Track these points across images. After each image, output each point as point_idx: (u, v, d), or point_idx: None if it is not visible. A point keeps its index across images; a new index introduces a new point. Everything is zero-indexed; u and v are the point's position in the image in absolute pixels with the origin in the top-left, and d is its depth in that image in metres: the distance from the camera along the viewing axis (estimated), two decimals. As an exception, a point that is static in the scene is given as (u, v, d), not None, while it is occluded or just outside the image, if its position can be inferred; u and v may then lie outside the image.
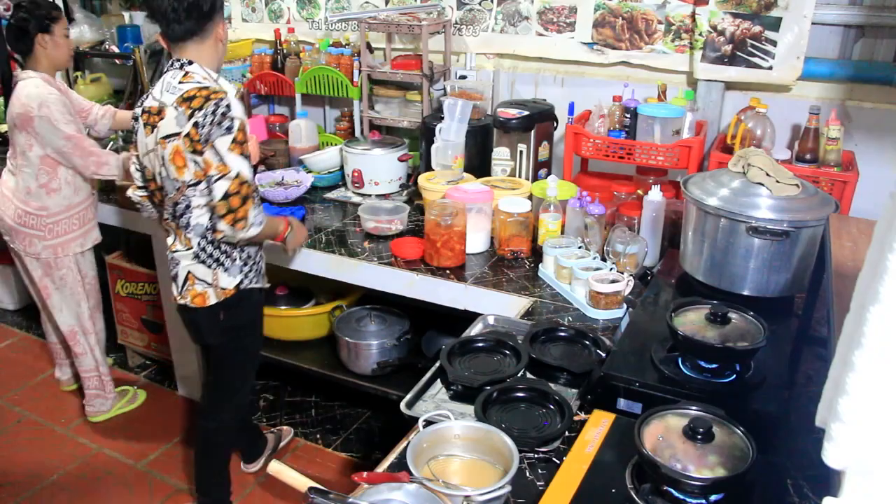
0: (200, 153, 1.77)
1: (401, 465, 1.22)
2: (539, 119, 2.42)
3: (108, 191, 2.82)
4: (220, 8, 1.87)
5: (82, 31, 3.51)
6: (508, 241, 2.13)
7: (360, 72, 2.79)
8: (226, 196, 1.76)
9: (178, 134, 1.77)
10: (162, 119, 1.80)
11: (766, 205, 1.64)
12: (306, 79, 2.93)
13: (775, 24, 2.19)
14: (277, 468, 1.25)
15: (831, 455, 0.69)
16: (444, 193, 2.17)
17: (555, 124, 2.52)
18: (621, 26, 2.46)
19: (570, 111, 2.36)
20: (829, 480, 0.77)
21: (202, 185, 1.82)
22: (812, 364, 1.55)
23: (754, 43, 2.24)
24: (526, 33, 2.64)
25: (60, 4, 3.60)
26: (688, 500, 1.11)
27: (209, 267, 1.93)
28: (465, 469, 1.23)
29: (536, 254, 2.14)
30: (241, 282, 1.97)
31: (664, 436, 1.15)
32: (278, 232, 2.04)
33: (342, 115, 3.08)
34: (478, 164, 2.54)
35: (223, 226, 1.78)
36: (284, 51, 3.07)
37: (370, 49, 2.83)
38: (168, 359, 3.00)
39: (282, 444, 2.70)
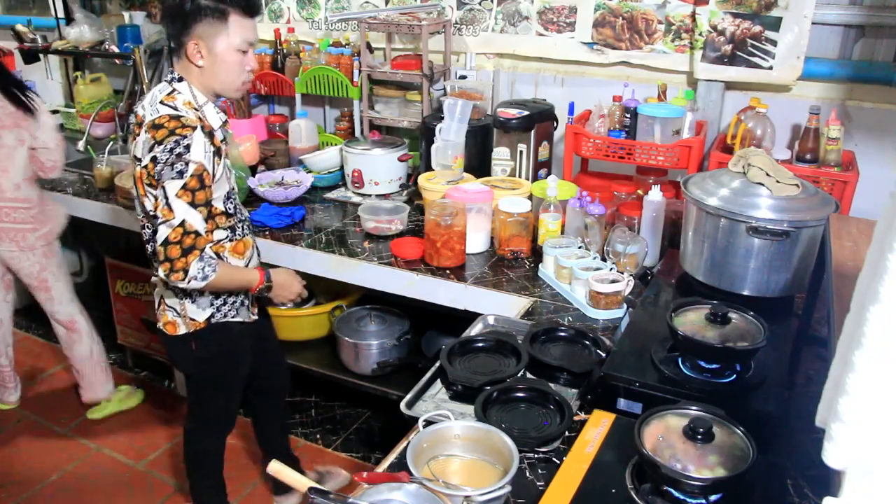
0: (154, 188, 1.67)
1: (401, 465, 1.22)
2: (539, 119, 2.42)
3: (108, 190, 2.82)
4: (194, 20, 1.65)
5: (82, 31, 3.50)
6: (508, 241, 2.13)
7: (360, 72, 2.79)
8: (165, 243, 1.63)
9: (140, 161, 1.68)
10: (137, 136, 1.71)
11: (766, 205, 1.64)
12: (306, 79, 2.93)
13: (775, 24, 2.19)
14: (277, 468, 1.25)
15: (831, 455, 0.69)
16: (444, 193, 2.17)
17: (555, 124, 2.52)
18: (621, 26, 2.46)
19: (570, 111, 2.36)
20: (829, 480, 0.77)
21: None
22: (812, 364, 1.55)
23: (754, 43, 2.24)
24: (526, 33, 2.64)
25: (60, 4, 3.62)
26: (688, 500, 1.11)
27: (177, 296, 1.84)
28: (465, 469, 1.23)
29: (536, 254, 2.14)
30: (211, 315, 1.86)
31: (664, 436, 1.15)
32: (249, 284, 1.85)
33: (342, 115, 3.08)
34: (478, 164, 2.54)
35: (160, 272, 1.67)
36: (284, 51, 3.07)
37: (370, 49, 2.83)
38: (168, 359, 3.00)
39: (329, 484, 2.38)
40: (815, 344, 1.57)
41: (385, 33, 2.84)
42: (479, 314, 1.84)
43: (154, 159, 1.62)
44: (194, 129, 1.63)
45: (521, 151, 2.45)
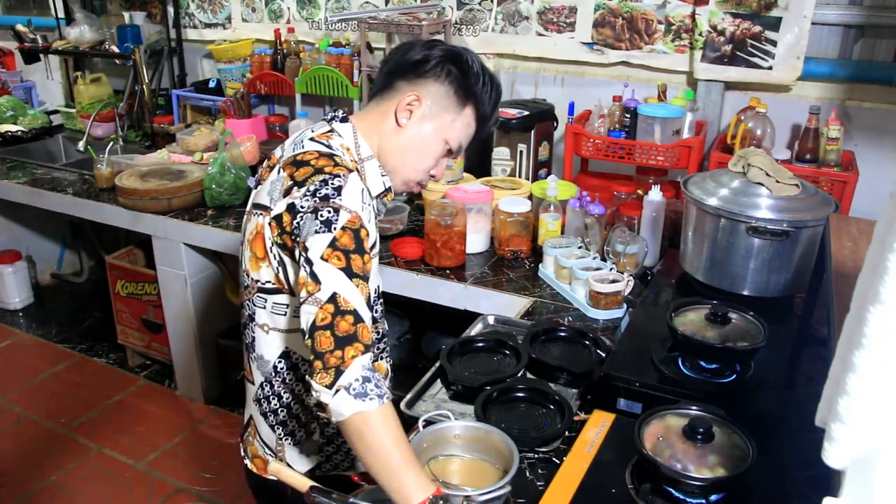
0: (289, 251, 1.16)
1: (401, 465, 1.22)
2: (539, 119, 2.42)
3: (109, 190, 2.82)
4: (435, 76, 1.26)
5: (82, 31, 3.51)
6: (508, 241, 2.13)
7: (360, 72, 2.79)
8: (312, 330, 1.04)
9: (267, 209, 1.19)
10: (265, 179, 1.26)
11: (766, 205, 1.64)
12: (306, 79, 2.93)
13: (775, 24, 2.19)
14: (277, 468, 1.25)
15: (831, 455, 0.69)
16: (444, 193, 2.17)
17: (555, 124, 2.52)
18: (621, 26, 2.46)
19: (570, 111, 2.36)
20: (829, 480, 0.77)
21: (280, 299, 1.22)
22: (812, 364, 1.55)
23: (754, 43, 2.24)
24: (526, 33, 2.64)
25: (60, 4, 3.62)
26: (688, 500, 1.11)
27: (272, 429, 1.31)
28: (465, 469, 1.23)
29: (536, 254, 2.14)
30: (318, 465, 1.33)
31: (664, 436, 1.15)
32: (401, 499, 1.01)
33: (342, 115, 3.08)
34: (478, 164, 2.54)
35: (314, 383, 1.03)
36: (284, 51, 3.07)
37: (370, 49, 2.83)
38: (168, 359, 3.00)
39: None
40: (815, 344, 1.57)
41: (385, 33, 2.84)
42: (479, 314, 1.83)
43: (291, 208, 1.13)
44: (350, 171, 1.17)
45: (521, 151, 2.45)
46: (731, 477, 1.07)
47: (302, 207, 1.12)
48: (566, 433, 1.34)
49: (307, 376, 1.06)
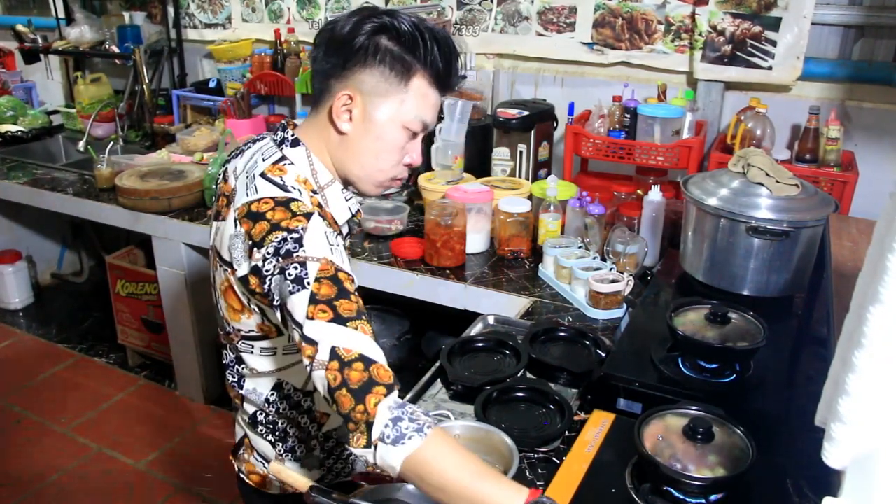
0: (268, 305, 1.08)
1: (401, 465, 1.22)
2: (539, 119, 2.42)
3: (109, 190, 2.82)
4: (360, 62, 1.10)
5: (82, 31, 3.51)
6: (508, 241, 2.13)
7: (360, 72, 2.78)
8: (331, 394, 0.97)
9: (231, 266, 1.10)
10: (224, 218, 1.14)
11: (766, 205, 1.64)
12: (306, 79, 2.93)
13: (775, 24, 2.19)
14: (277, 468, 1.25)
15: (831, 455, 0.69)
16: (444, 193, 2.17)
17: (555, 124, 2.52)
18: (621, 26, 2.46)
19: (570, 111, 2.36)
20: (829, 480, 0.77)
21: (266, 344, 1.16)
22: (812, 364, 1.55)
23: (754, 43, 2.24)
24: (526, 33, 2.64)
25: (60, 4, 3.62)
26: (688, 499, 1.11)
27: (272, 445, 1.28)
28: (465, 469, 1.23)
29: (536, 254, 2.14)
30: (321, 478, 1.31)
31: (664, 436, 1.15)
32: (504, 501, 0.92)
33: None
34: (478, 164, 2.54)
35: (355, 451, 0.96)
36: (284, 51, 3.07)
37: (370, 49, 2.82)
38: (168, 359, 3.00)
39: None
40: (815, 344, 1.57)
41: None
42: (479, 314, 1.83)
43: (256, 272, 1.04)
44: (308, 216, 1.05)
45: (521, 151, 2.45)
46: (731, 477, 1.07)
47: (267, 271, 1.02)
48: (566, 433, 1.34)
49: (346, 445, 0.97)
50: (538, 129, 2.43)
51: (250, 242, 1.05)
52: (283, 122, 1.20)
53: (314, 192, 1.14)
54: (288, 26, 3.10)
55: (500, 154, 2.47)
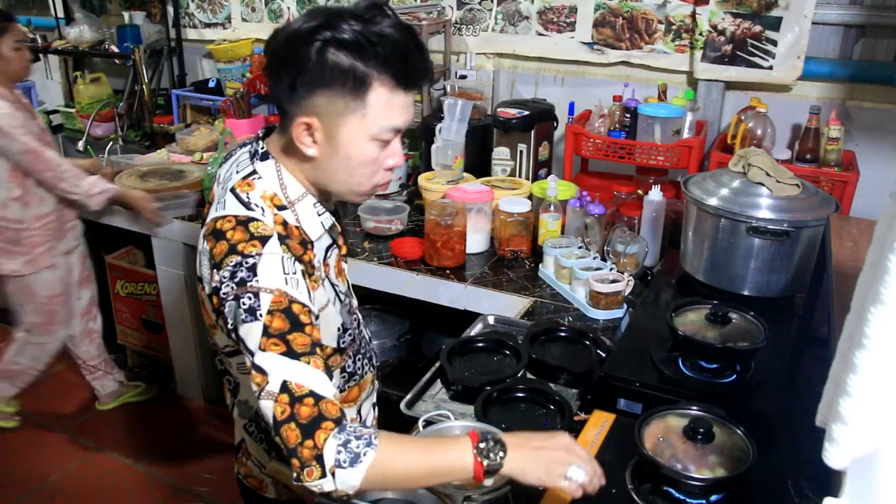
0: (228, 332, 1.07)
1: (401, 465, 1.22)
2: (539, 119, 2.42)
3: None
4: (312, 86, 1.02)
5: (82, 31, 3.50)
6: (508, 241, 2.13)
7: (360, 72, 2.78)
8: (276, 427, 0.96)
9: (202, 282, 1.12)
10: (204, 224, 1.11)
11: (766, 205, 1.64)
12: (306, 79, 2.92)
13: (775, 24, 2.18)
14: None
15: (831, 455, 0.69)
16: (444, 193, 2.16)
17: (555, 124, 2.52)
18: (621, 26, 2.45)
19: (570, 111, 2.36)
20: (829, 480, 0.77)
21: (242, 359, 1.07)
22: (812, 364, 1.55)
23: (754, 43, 2.23)
24: (526, 33, 2.64)
25: (60, 4, 3.61)
26: (688, 500, 1.11)
27: (267, 452, 1.28)
28: (465, 469, 1.22)
29: (536, 254, 2.14)
30: None
31: (664, 436, 1.15)
32: (461, 470, 0.98)
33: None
34: (478, 164, 2.54)
35: (306, 484, 0.96)
36: (284, 51, 3.07)
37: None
38: (168, 359, 3.00)
39: None
40: (816, 344, 1.57)
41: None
42: (479, 314, 1.83)
43: (216, 292, 1.04)
44: (265, 240, 1.03)
45: (521, 151, 2.45)
46: (731, 477, 1.07)
47: (224, 295, 1.01)
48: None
49: (293, 479, 0.97)
50: (538, 128, 2.43)
51: (212, 262, 1.04)
52: (259, 131, 1.18)
53: (282, 207, 1.09)
54: (288, 26, 3.10)
55: (501, 154, 2.47)
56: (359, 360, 1.31)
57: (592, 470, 1.01)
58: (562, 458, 1.00)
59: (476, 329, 1.77)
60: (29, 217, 2.44)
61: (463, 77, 2.74)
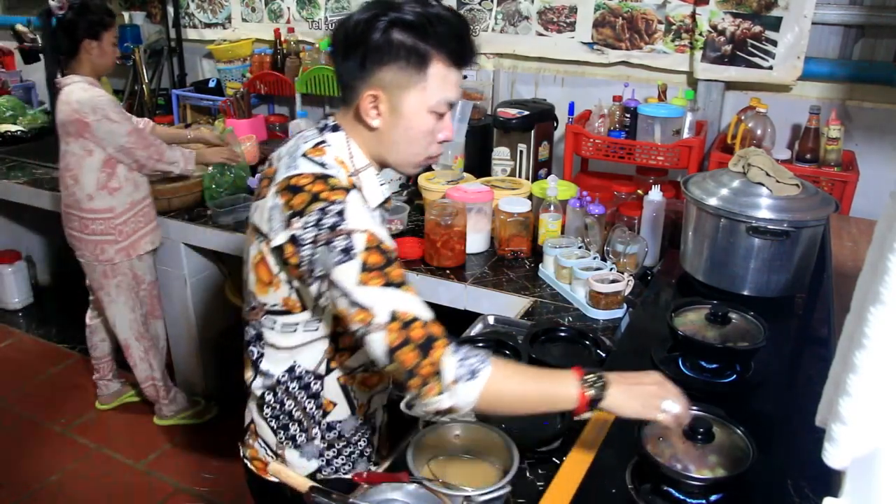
0: (299, 279, 1.14)
1: (401, 465, 1.22)
2: (539, 119, 2.42)
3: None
4: (378, 61, 1.13)
5: (82, 31, 3.50)
6: (508, 241, 2.13)
7: (360, 72, 2.78)
8: (391, 355, 1.04)
9: (266, 237, 1.15)
10: (263, 196, 1.18)
11: (766, 205, 1.64)
12: (306, 79, 2.93)
13: (775, 24, 2.18)
14: (277, 468, 1.25)
15: (831, 455, 0.69)
16: (444, 193, 2.16)
17: (555, 124, 2.52)
18: (621, 26, 2.46)
19: (570, 111, 2.36)
20: (829, 480, 0.77)
21: (289, 319, 1.20)
22: (812, 364, 1.55)
23: (754, 43, 2.23)
24: (526, 33, 2.64)
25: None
26: (688, 500, 1.11)
27: (274, 433, 1.30)
28: (465, 469, 1.23)
29: (536, 254, 2.14)
30: (319, 469, 1.32)
31: (664, 436, 1.15)
32: (566, 400, 1.08)
33: (342, 114, 3.08)
34: (478, 164, 2.54)
35: (425, 401, 1.05)
36: (284, 51, 3.07)
37: (370, 49, 2.82)
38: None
39: None
40: (816, 344, 1.57)
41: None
42: (479, 314, 1.83)
43: (294, 240, 1.09)
44: (347, 191, 1.11)
45: (521, 151, 2.45)
46: (731, 477, 1.07)
47: (304, 240, 1.08)
48: (566, 433, 1.34)
49: (408, 399, 1.07)
50: (538, 128, 2.43)
51: (290, 212, 1.10)
52: (326, 115, 1.28)
53: (350, 174, 1.18)
54: (288, 26, 3.10)
55: (500, 154, 2.47)
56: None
57: (684, 403, 1.10)
58: (657, 393, 1.10)
59: (476, 329, 1.77)
60: (124, 205, 2.46)
61: (463, 77, 2.73)
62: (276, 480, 1.31)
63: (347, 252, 1.06)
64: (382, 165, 1.25)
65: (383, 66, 1.13)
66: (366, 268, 1.06)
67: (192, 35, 3.44)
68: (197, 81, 3.50)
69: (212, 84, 3.36)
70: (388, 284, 1.06)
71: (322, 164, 1.14)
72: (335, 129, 1.22)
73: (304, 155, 1.16)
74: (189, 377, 2.95)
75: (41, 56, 3.66)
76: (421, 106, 1.16)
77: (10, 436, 2.85)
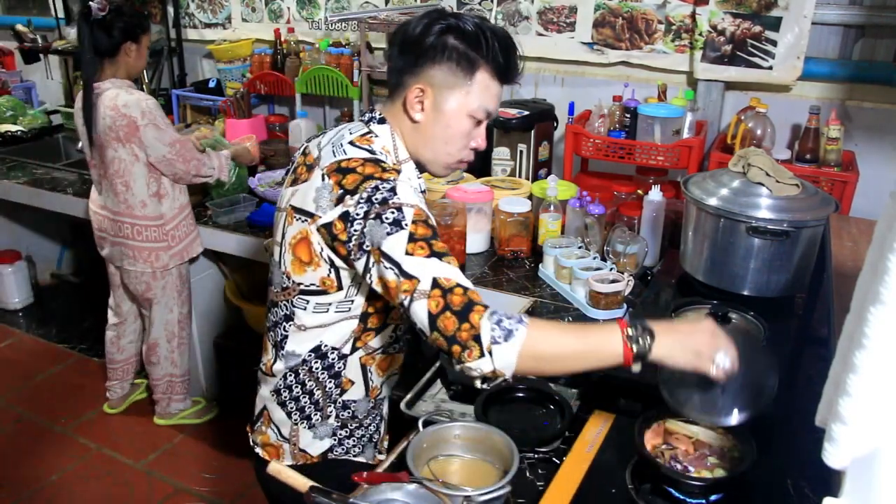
0: (342, 257, 1.20)
1: (401, 465, 1.22)
2: (539, 119, 2.42)
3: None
4: (431, 60, 1.23)
5: (82, 31, 3.50)
6: (508, 241, 2.13)
7: (360, 72, 2.79)
8: (432, 322, 1.08)
9: (312, 216, 1.22)
10: (305, 180, 1.27)
11: (766, 205, 1.63)
12: (306, 79, 2.93)
13: (775, 24, 2.18)
14: (277, 468, 1.25)
15: (831, 455, 0.69)
16: (444, 193, 2.16)
17: (555, 124, 2.52)
18: (621, 26, 2.46)
19: (570, 111, 2.36)
20: (829, 480, 0.77)
21: (323, 299, 1.26)
22: (812, 364, 1.55)
23: (754, 43, 2.23)
24: (526, 33, 2.64)
25: (60, 4, 3.61)
26: (687, 500, 1.11)
27: (289, 415, 1.36)
28: (465, 469, 1.23)
29: (536, 254, 2.14)
30: (330, 448, 1.38)
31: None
32: (610, 355, 1.08)
33: (342, 115, 3.08)
34: (478, 164, 2.54)
35: (467, 365, 1.07)
36: (284, 51, 3.07)
37: (370, 49, 2.83)
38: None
39: None
40: (816, 344, 1.57)
41: (385, 33, 2.84)
42: (479, 314, 1.83)
43: (345, 217, 1.16)
44: (398, 171, 1.20)
45: (521, 151, 2.45)
46: (731, 477, 1.07)
47: (357, 215, 1.14)
48: (566, 433, 1.34)
49: (452, 364, 1.09)
50: (538, 128, 2.43)
51: (341, 191, 1.17)
52: (371, 108, 1.34)
53: (395, 163, 1.27)
54: (288, 26, 3.10)
55: (500, 154, 2.47)
56: (401, 329, 1.40)
57: (734, 357, 1.08)
58: (710, 343, 1.08)
59: (476, 329, 1.76)
60: (172, 210, 2.45)
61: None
62: (288, 464, 1.34)
63: (398, 224, 1.12)
64: (417, 165, 1.32)
65: (434, 64, 1.23)
66: (413, 238, 1.11)
67: (192, 35, 3.44)
68: (197, 81, 3.50)
69: (212, 84, 3.36)
70: (432, 255, 1.11)
71: (370, 151, 1.23)
72: (381, 121, 1.30)
73: (352, 143, 1.25)
74: (189, 377, 2.94)
75: (41, 56, 3.67)
76: (462, 108, 1.25)
77: (10, 436, 2.85)
